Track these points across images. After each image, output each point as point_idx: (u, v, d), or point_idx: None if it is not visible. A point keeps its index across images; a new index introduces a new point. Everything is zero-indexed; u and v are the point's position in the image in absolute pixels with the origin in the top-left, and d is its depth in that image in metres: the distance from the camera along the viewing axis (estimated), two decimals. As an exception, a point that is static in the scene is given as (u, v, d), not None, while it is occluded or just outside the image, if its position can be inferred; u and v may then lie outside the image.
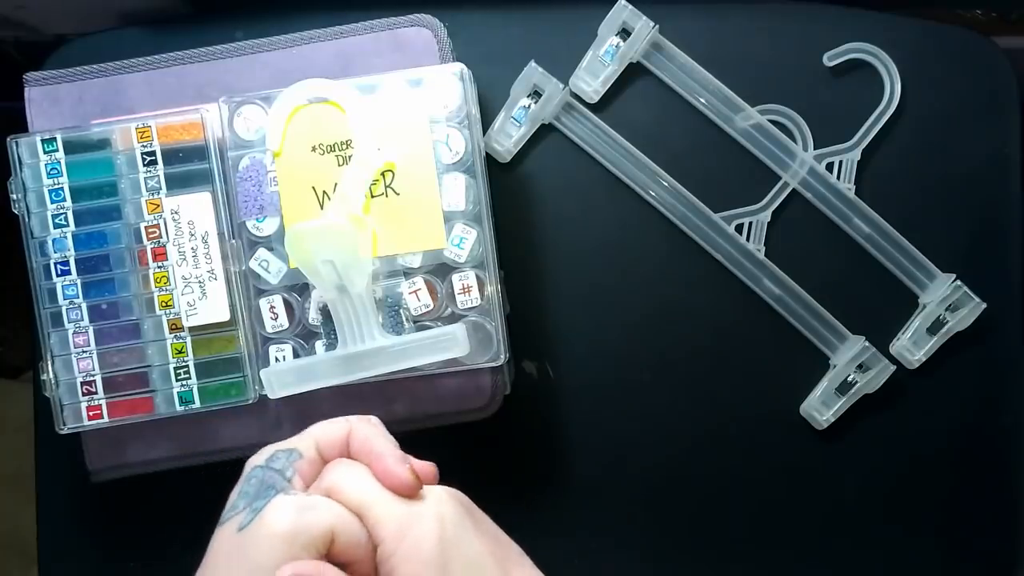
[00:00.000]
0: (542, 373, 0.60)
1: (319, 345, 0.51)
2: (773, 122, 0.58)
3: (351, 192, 0.49)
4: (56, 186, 0.51)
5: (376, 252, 0.50)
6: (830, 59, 0.58)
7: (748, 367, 0.60)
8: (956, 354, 0.59)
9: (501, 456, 0.61)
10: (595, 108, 0.59)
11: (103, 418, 0.52)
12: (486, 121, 0.58)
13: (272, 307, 0.51)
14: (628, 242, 0.60)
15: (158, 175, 0.51)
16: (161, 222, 0.51)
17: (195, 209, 0.51)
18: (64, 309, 0.51)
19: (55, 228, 0.51)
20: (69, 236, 0.51)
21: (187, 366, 0.51)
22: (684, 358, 0.60)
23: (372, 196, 0.49)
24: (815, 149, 0.58)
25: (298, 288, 0.51)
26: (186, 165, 0.51)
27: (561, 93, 0.58)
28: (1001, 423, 0.60)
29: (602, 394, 0.60)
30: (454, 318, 0.51)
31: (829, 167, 0.58)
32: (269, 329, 0.51)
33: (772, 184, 0.59)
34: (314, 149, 0.49)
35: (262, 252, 0.51)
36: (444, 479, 0.61)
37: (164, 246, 0.51)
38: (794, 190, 0.59)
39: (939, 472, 0.60)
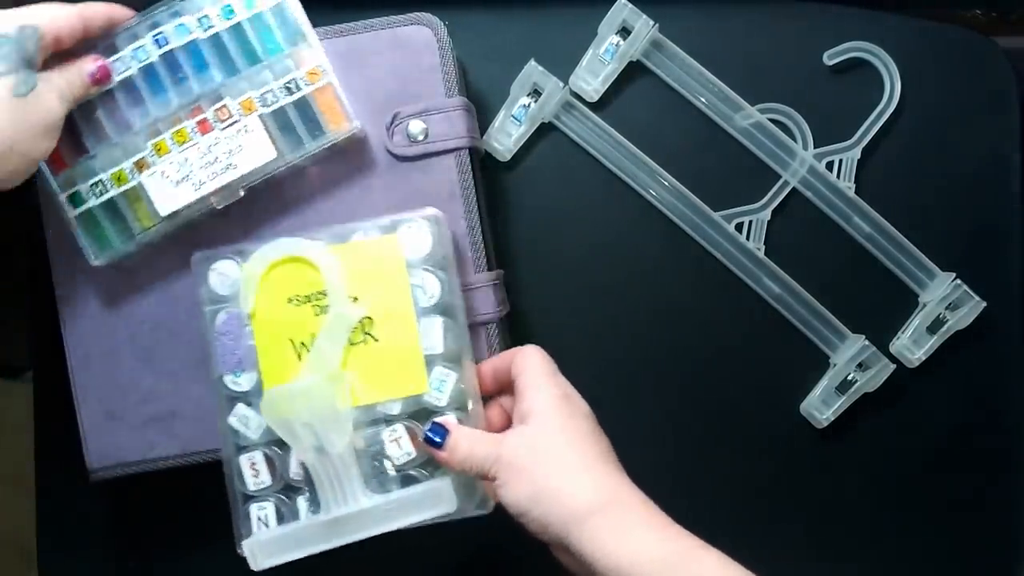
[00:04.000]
0: (542, 372, 0.60)
1: (301, 502, 0.50)
2: (773, 121, 0.58)
3: (328, 350, 0.48)
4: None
5: (356, 401, 0.49)
6: (830, 58, 0.58)
7: (748, 366, 0.60)
8: (956, 353, 0.59)
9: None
10: (595, 107, 0.59)
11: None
12: (486, 120, 0.58)
13: (253, 464, 0.50)
14: (628, 241, 0.60)
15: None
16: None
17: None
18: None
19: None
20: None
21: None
22: (684, 357, 0.60)
23: (352, 344, 0.49)
24: (815, 148, 0.58)
25: (279, 442, 0.49)
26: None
27: (561, 92, 0.58)
28: (1001, 422, 0.60)
29: (602, 393, 0.60)
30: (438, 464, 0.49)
31: (829, 166, 0.58)
32: (251, 487, 0.49)
33: (772, 183, 0.59)
34: (290, 301, 0.49)
35: (240, 408, 0.50)
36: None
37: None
38: (794, 189, 0.59)
39: (939, 471, 0.60)
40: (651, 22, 0.57)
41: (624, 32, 0.57)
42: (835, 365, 0.59)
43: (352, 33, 0.53)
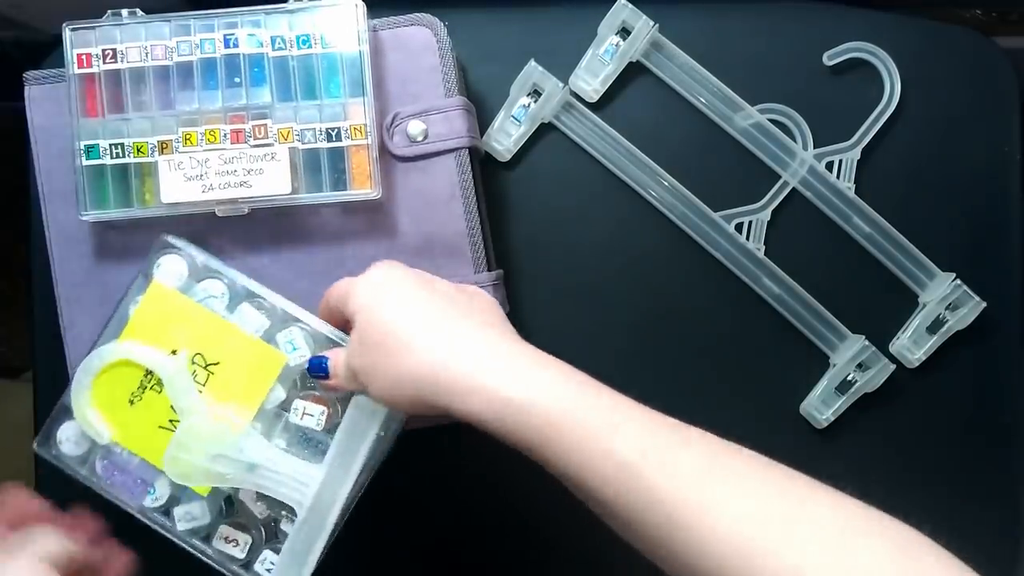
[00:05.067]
0: (542, 372, 0.60)
1: (285, 524, 0.50)
2: (773, 121, 0.58)
3: (189, 405, 0.49)
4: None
5: (249, 417, 0.49)
6: (830, 58, 0.58)
7: (748, 366, 0.60)
8: (956, 353, 0.59)
9: (501, 455, 0.61)
10: (595, 107, 0.59)
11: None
12: (486, 120, 0.58)
13: (226, 538, 0.50)
14: (628, 241, 0.60)
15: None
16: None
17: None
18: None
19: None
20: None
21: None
22: (684, 357, 0.60)
23: (203, 384, 0.49)
24: (815, 148, 0.58)
25: (232, 505, 0.51)
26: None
27: (561, 92, 0.58)
28: (1001, 421, 0.60)
29: (602, 393, 0.60)
30: (348, 398, 0.49)
31: (829, 166, 0.58)
32: (241, 556, 0.50)
33: (772, 183, 0.59)
34: (131, 401, 0.49)
35: (179, 510, 0.50)
36: (444, 478, 0.61)
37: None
38: (794, 189, 0.59)
39: (939, 471, 0.60)
40: (651, 22, 0.57)
41: (624, 32, 0.57)
42: (835, 365, 0.59)
43: (352, 33, 0.53)
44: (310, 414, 0.49)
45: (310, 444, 0.50)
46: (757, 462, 0.39)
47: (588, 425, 0.39)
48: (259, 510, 0.50)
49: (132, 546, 0.50)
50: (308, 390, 0.50)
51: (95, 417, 0.50)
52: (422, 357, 0.41)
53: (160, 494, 0.50)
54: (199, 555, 0.51)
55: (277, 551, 0.50)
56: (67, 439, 0.51)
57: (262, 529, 0.51)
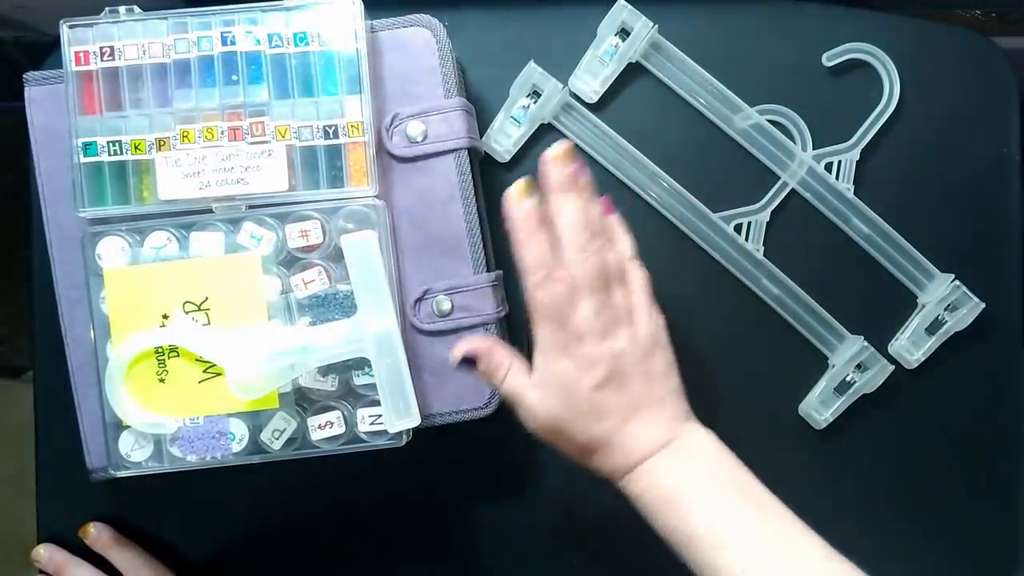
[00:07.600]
0: (541, 373, 0.60)
1: (360, 379, 0.51)
2: (772, 122, 0.58)
3: (214, 351, 0.49)
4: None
5: (265, 322, 0.50)
6: (829, 59, 0.58)
7: (747, 367, 0.60)
8: (955, 354, 0.59)
9: (501, 456, 0.61)
10: (594, 108, 0.59)
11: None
12: (486, 121, 0.58)
13: (320, 426, 0.51)
14: (627, 242, 0.60)
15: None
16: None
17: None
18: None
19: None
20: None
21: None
22: (683, 358, 0.60)
23: (209, 322, 0.50)
24: (814, 149, 0.58)
25: (305, 398, 0.51)
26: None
27: (560, 93, 0.58)
28: (1000, 422, 0.60)
29: (601, 394, 0.60)
30: (337, 251, 0.51)
31: (828, 167, 0.58)
32: (343, 431, 0.51)
33: (771, 184, 0.59)
34: (161, 380, 0.50)
35: (265, 434, 0.51)
36: (443, 478, 0.61)
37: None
38: (793, 190, 0.59)
39: (938, 472, 0.60)
40: (650, 23, 0.57)
41: (623, 33, 0.57)
42: (834, 366, 0.59)
43: (351, 34, 0.53)
44: (311, 280, 0.51)
45: (331, 303, 0.51)
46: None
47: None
48: (329, 384, 0.51)
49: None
50: (293, 264, 0.51)
51: (149, 415, 0.50)
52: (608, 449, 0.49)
53: (241, 434, 0.51)
54: (313, 458, 0.51)
55: (368, 405, 0.51)
56: (131, 450, 0.51)
57: (343, 398, 0.52)
